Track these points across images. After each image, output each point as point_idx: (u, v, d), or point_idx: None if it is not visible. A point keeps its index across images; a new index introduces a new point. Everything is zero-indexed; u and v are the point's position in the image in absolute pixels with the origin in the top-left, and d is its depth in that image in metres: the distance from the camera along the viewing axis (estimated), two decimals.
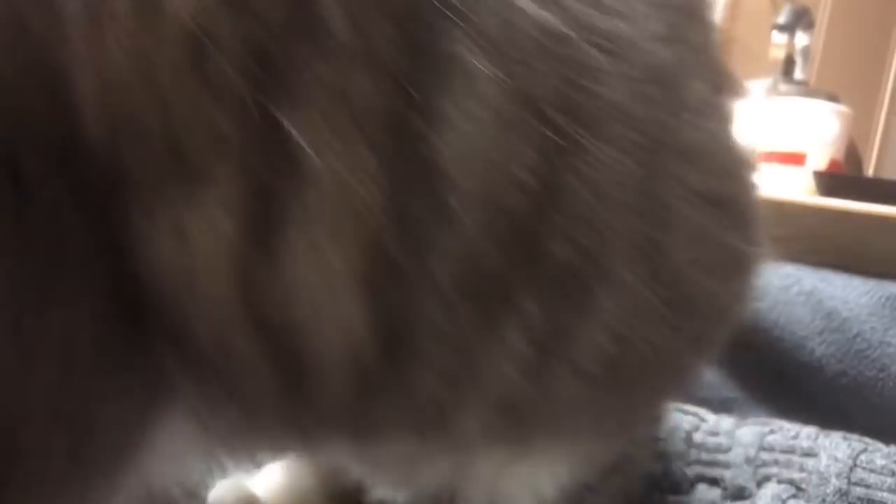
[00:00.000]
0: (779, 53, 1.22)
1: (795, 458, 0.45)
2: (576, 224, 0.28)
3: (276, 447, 0.35)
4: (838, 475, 0.43)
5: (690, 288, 0.33)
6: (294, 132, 0.23)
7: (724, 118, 0.36)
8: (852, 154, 1.12)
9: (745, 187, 0.37)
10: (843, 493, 0.41)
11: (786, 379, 0.58)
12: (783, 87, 1.17)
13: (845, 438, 0.46)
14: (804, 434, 0.47)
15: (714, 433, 0.49)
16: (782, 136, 1.05)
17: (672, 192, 0.31)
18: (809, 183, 0.97)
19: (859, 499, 0.41)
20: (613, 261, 0.29)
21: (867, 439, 0.47)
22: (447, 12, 0.25)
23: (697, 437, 0.48)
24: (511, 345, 0.29)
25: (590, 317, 0.30)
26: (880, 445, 0.47)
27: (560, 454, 0.37)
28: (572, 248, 0.28)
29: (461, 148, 0.26)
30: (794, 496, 0.42)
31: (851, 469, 0.43)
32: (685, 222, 0.32)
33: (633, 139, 0.28)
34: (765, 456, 0.45)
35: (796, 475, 0.43)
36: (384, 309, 0.26)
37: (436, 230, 0.26)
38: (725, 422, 0.50)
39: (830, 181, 0.83)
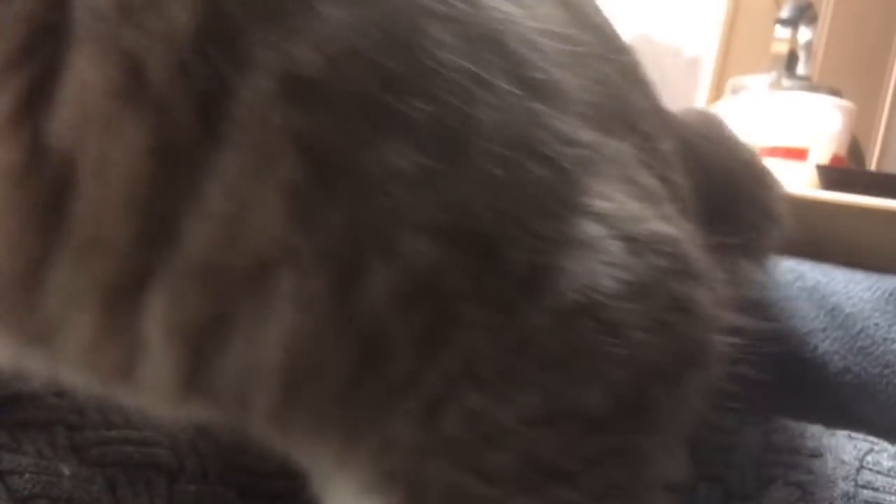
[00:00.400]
0: (782, 48, 1.21)
1: (801, 460, 0.44)
2: (206, 213, 0.27)
3: None
4: (845, 478, 0.42)
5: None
6: None
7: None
8: (855, 149, 1.11)
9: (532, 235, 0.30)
10: (850, 497, 0.40)
11: (788, 376, 0.58)
12: (786, 81, 1.16)
13: (850, 438, 0.46)
14: (808, 433, 0.46)
15: (716, 432, 0.48)
16: (785, 131, 1.04)
17: (365, 216, 0.27)
18: (812, 177, 0.96)
19: (866, 502, 0.40)
20: (269, 268, 0.27)
21: (873, 438, 0.47)
22: None
23: (699, 434, 0.48)
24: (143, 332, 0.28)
25: (251, 325, 0.28)
26: (886, 445, 0.46)
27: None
28: (207, 238, 0.27)
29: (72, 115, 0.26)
30: (800, 499, 0.41)
31: (858, 471, 0.42)
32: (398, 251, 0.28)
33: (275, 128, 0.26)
34: (770, 457, 0.45)
35: (803, 477, 0.43)
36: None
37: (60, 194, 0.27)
38: (728, 420, 0.49)
39: (834, 175, 0.83)
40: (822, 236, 0.62)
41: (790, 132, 1.03)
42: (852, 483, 0.42)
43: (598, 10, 0.45)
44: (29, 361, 0.32)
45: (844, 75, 1.64)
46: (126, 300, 0.28)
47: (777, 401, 0.57)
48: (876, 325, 0.55)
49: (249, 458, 0.43)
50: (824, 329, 0.57)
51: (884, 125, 1.88)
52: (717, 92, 1.73)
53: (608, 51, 0.42)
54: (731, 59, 1.95)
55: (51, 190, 0.26)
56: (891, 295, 0.56)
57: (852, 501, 0.41)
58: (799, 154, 1.03)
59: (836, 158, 1.02)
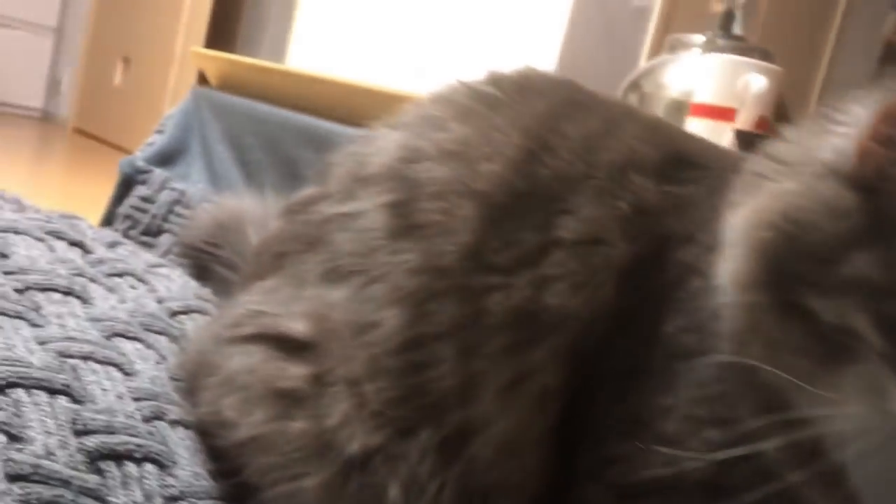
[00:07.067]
0: (720, 6, 1.23)
1: None
2: None
3: None
4: None
5: None
6: None
7: None
8: (782, 112, 1.14)
9: None
10: None
11: None
12: (721, 41, 1.18)
13: None
14: None
15: None
16: (714, 92, 1.06)
17: None
18: (731, 139, 0.99)
19: None
20: None
21: None
22: None
23: None
24: None
25: None
26: None
27: None
28: None
29: None
30: None
31: None
32: None
33: None
34: None
35: None
36: None
37: None
38: None
39: (751, 139, 0.85)
40: None
41: (719, 93, 1.05)
42: None
43: None
44: None
45: (783, 37, 1.67)
46: None
47: None
48: None
49: None
50: None
51: (818, 88, 1.92)
52: (660, 44, 1.75)
53: None
54: (677, 13, 1.96)
55: None
56: None
57: None
58: (727, 114, 1.06)
59: (762, 120, 1.05)
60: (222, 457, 0.52)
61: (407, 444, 0.48)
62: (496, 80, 0.58)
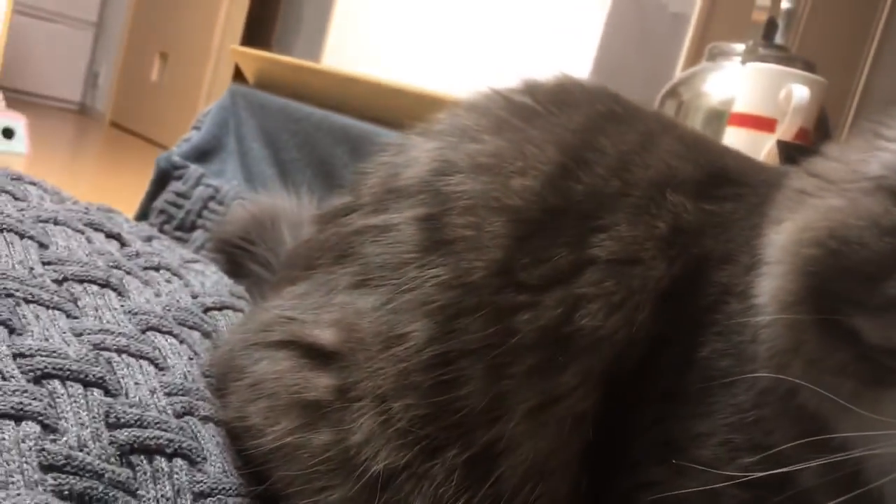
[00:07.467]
0: (762, 15, 1.21)
1: None
2: None
3: None
4: None
5: None
6: None
7: None
8: (821, 123, 1.12)
9: None
10: None
11: None
12: (762, 50, 1.17)
13: None
14: None
15: None
16: (755, 101, 1.05)
17: None
18: (773, 150, 0.97)
19: None
20: None
21: None
22: None
23: None
24: None
25: None
26: None
27: None
28: None
29: None
30: None
31: None
32: None
33: None
34: None
35: None
36: None
37: None
38: None
39: (792, 150, 0.84)
40: None
41: (760, 103, 1.04)
42: None
43: None
44: None
45: (823, 46, 1.64)
46: None
47: None
48: None
49: None
50: None
51: (857, 99, 1.89)
52: (698, 51, 1.73)
53: None
54: (715, 21, 1.94)
55: None
56: None
57: None
58: (767, 125, 1.04)
59: (802, 131, 1.03)
60: (250, 462, 0.52)
61: (433, 464, 0.47)
62: (532, 90, 0.57)
